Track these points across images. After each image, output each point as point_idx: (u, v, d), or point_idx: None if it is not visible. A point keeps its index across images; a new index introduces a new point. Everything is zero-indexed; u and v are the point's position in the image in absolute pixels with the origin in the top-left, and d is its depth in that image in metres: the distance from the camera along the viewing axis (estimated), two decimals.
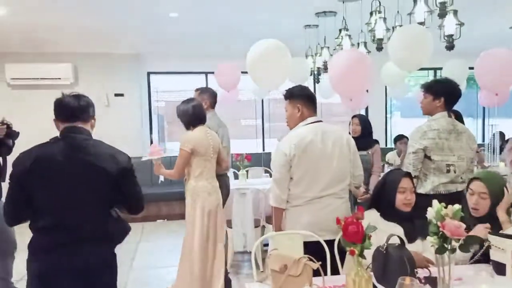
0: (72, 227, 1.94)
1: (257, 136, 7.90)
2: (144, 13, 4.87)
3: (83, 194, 1.96)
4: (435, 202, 1.72)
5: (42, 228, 1.93)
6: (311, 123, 2.62)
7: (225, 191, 3.81)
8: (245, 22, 5.41)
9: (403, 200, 2.33)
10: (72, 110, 2.03)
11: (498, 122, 6.01)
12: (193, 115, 3.36)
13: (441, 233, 1.65)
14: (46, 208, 1.94)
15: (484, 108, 8.19)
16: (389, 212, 2.36)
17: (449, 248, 1.65)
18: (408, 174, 2.43)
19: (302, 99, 2.64)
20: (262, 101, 7.57)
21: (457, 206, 1.72)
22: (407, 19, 3.87)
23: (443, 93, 2.92)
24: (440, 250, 1.66)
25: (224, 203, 3.80)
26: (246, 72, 3.95)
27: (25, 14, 4.75)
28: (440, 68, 6.73)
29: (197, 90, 4.09)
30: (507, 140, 5.02)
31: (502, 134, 6.07)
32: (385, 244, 1.85)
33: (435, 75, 8.12)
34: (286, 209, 2.62)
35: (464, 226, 1.64)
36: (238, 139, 7.88)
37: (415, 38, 2.59)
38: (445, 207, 1.76)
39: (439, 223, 1.66)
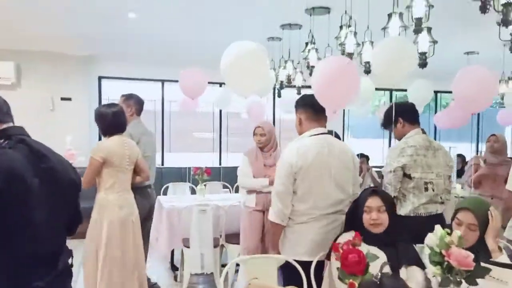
0: (49, 257, 1.55)
1: (214, 149, 7.62)
2: (100, 11, 4.49)
3: (59, 214, 1.58)
4: (437, 227, 1.54)
5: (8, 264, 1.45)
6: (316, 134, 2.46)
7: (148, 204, 3.62)
8: (207, 30, 5.18)
9: (369, 220, 2.17)
10: (5, 109, 1.63)
11: (455, 145, 6.13)
12: (111, 122, 3.12)
13: (446, 263, 1.46)
14: (17, 238, 1.46)
15: (435, 130, 8.42)
16: (364, 235, 2.18)
17: (456, 280, 1.46)
18: (375, 192, 2.26)
19: (302, 109, 2.52)
20: (220, 112, 7.31)
21: (458, 233, 1.54)
22: (378, 34, 3.79)
23: (397, 115, 2.93)
24: (445, 283, 1.47)
25: (149, 218, 3.58)
26: None
27: None
28: (399, 90, 6.83)
29: (122, 96, 3.98)
30: (467, 162, 5.08)
31: (462, 157, 6.16)
32: (379, 273, 1.63)
33: (390, 95, 8.25)
34: (287, 227, 2.43)
35: (472, 256, 1.45)
36: (191, 152, 7.56)
37: (400, 50, 2.45)
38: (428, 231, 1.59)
39: (443, 252, 1.46)
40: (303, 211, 2.38)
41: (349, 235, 2.16)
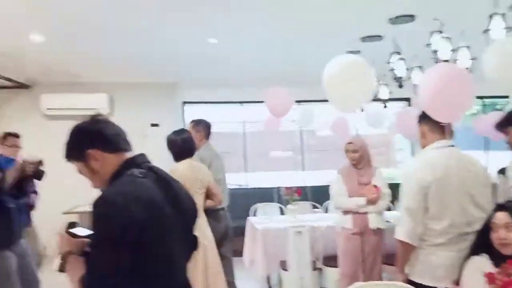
0: None
1: (292, 168, 7.51)
2: (181, 40, 4.69)
3: (184, 244, 1.52)
4: None
5: None
6: (440, 147, 2.31)
7: (221, 227, 3.66)
8: (286, 50, 5.18)
9: (497, 239, 1.95)
10: (125, 136, 1.60)
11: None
12: (181, 148, 3.27)
13: None
14: (158, 273, 1.35)
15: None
16: (494, 257, 1.95)
17: None
18: (502, 207, 2.04)
19: (424, 120, 2.38)
20: (301, 130, 7.23)
21: None
22: (473, 38, 3.51)
23: None
24: None
25: (223, 240, 3.60)
26: None
27: (62, 42, 4.62)
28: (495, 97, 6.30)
29: (192, 121, 4.16)
30: None
31: None
32: None
33: (483, 103, 7.64)
34: (420, 248, 2.24)
35: None
36: (267, 172, 7.51)
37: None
38: None
39: None
40: (440, 230, 2.19)
41: (480, 260, 1.96)
